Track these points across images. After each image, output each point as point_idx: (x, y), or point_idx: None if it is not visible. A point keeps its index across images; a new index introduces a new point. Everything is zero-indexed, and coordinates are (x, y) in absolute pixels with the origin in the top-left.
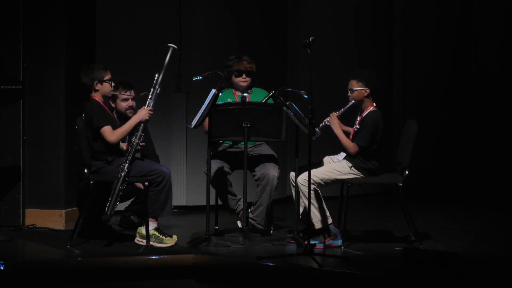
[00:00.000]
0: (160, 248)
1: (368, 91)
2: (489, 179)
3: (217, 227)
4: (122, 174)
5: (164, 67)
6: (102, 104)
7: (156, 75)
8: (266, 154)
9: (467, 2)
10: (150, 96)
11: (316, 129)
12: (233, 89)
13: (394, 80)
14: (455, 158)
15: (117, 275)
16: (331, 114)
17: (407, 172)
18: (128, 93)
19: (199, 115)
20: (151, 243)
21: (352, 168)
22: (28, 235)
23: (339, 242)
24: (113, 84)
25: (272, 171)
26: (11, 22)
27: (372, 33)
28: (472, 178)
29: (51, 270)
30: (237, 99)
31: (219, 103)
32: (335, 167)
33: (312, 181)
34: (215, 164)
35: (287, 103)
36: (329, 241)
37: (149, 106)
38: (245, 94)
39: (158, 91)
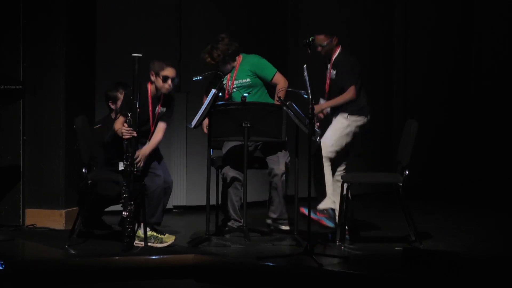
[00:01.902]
0: (160, 248)
1: (336, 39)
2: (489, 179)
3: (218, 225)
4: (126, 213)
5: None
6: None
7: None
8: (275, 142)
9: (467, 2)
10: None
11: (316, 129)
12: None
13: (394, 80)
14: (455, 158)
15: (117, 275)
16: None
17: (407, 172)
18: None
19: (199, 115)
20: (150, 244)
21: (348, 116)
22: (28, 235)
23: (331, 224)
24: (169, 83)
25: (279, 166)
26: (11, 22)
27: (371, 33)
28: (472, 177)
29: (51, 270)
30: (229, 78)
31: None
32: (335, 127)
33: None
34: (230, 173)
35: (287, 103)
36: (322, 217)
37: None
38: (245, 94)
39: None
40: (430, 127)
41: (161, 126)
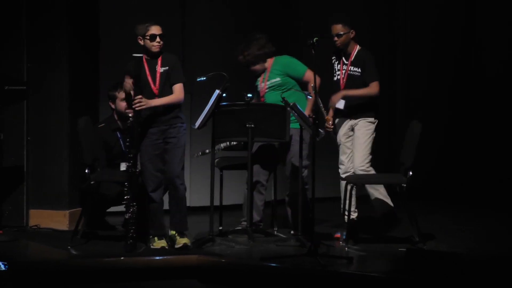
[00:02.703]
0: (164, 248)
1: (354, 32)
2: (491, 179)
3: (221, 228)
4: (129, 214)
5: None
6: (145, 61)
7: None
8: (292, 144)
9: (470, 3)
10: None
11: (320, 130)
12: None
13: (398, 81)
14: (458, 159)
15: (120, 276)
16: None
17: (410, 173)
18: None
19: (203, 116)
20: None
21: (375, 121)
22: (32, 235)
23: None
24: (158, 40)
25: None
26: (14, 23)
27: (373, 33)
28: (474, 178)
29: (54, 270)
30: (262, 80)
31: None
32: (363, 134)
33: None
34: (255, 169)
35: (291, 104)
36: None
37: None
38: (249, 95)
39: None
40: (433, 128)
41: (177, 86)
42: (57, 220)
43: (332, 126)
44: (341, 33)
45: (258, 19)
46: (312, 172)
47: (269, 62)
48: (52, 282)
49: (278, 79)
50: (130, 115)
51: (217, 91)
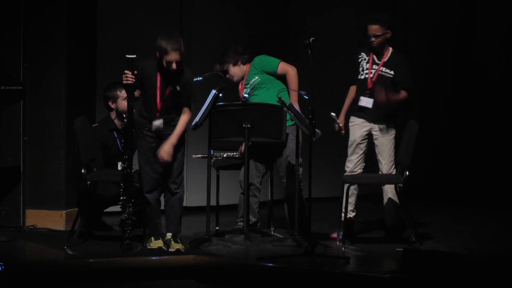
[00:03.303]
0: (161, 248)
1: (390, 33)
2: (490, 179)
3: (217, 228)
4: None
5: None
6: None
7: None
8: (287, 145)
9: (468, 4)
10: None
11: (317, 130)
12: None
13: None
14: (456, 159)
15: (117, 276)
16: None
17: (407, 172)
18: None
19: (200, 116)
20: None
21: (388, 122)
22: (29, 235)
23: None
24: (173, 66)
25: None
26: (12, 22)
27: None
28: (473, 178)
29: (51, 270)
30: (241, 87)
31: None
32: (387, 141)
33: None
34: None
35: (288, 104)
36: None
37: None
38: (245, 95)
39: None
40: (432, 128)
41: (185, 110)
42: (53, 220)
43: (343, 131)
44: (379, 34)
45: (257, 19)
46: (309, 172)
47: (246, 69)
48: (49, 282)
49: (256, 78)
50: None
51: (214, 91)
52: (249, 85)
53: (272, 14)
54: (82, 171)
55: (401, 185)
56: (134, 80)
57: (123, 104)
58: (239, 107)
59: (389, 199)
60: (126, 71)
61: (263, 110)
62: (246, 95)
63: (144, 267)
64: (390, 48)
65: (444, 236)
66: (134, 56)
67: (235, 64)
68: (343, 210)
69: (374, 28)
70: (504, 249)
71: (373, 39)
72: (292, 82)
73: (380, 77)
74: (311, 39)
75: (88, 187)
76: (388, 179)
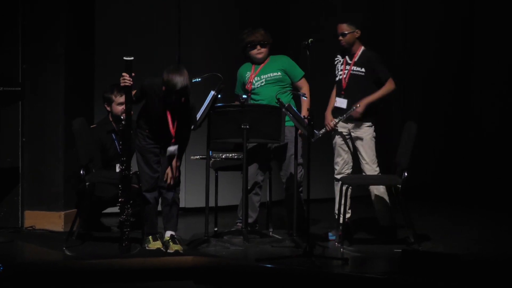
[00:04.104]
0: (160, 249)
1: (359, 32)
2: (490, 179)
3: (216, 229)
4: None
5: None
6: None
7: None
8: (288, 147)
9: (471, 7)
10: None
11: (315, 131)
12: (251, 63)
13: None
14: (457, 159)
15: (115, 277)
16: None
17: (406, 173)
18: (123, 97)
19: (198, 117)
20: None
21: (373, 126)
22: (27, 236)
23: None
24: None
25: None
26: (10, 23)
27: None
28: (473, 178)
29: (49, 271)
30: (253, 73)
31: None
32: (366, 141)
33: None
34: (251, 171)
35: (286, 105)
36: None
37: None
38: (244, 96)
39: None
40: (432, 129)
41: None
42: (52, 221)
43: (331, 129)
44: (346, 32)
45: (256, 19)
46: (307, 173)
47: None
48: (47, 283)
49: (278, 73)
50: (122, 117)
51: (212, 92)
52: (268, 76)
53: (272, 14)
54: (81, 172)
55: (400, 186)
56: (132, 82)
57: (117, 108)
58: (237, 108)
59: (377, 199)
60: (123, 74)
61: (261, 111)
62: (244, 96)
63: (143, 268)
64: (362, 47)
65: (443, 237)
66: (132, 58)
67: (269, 47)
68: (341, 211)
69: (342, 27)
70: (503, 250)
71: (340, 37)
72: (306, 105)
73: (352, 77)
74: (310, 40)
75: (87, 188)
76: (386, 180)
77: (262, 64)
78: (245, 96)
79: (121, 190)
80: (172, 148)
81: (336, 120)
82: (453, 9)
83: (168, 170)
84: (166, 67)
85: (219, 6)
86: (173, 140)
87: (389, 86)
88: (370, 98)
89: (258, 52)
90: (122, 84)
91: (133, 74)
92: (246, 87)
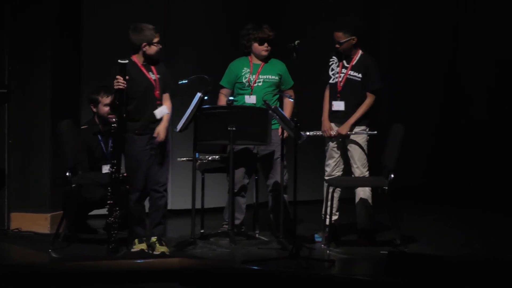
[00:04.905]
0: (143, 251)
1: (356, 39)
2: (481, 181)
3: (202, 231)
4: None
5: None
6: (141, 66)
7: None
8: (274, 152)
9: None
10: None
11: (302, 133)
12: (249, 57)
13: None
14: (448, 161)
15: (101, 279)
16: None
17: (392, 176)
18: (109, 98)
19: (185, 119)
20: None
21: (367, 129)
22: (13, 239)
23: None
24: (160, 46)
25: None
26: None
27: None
28: (464, 180)
29: (35, 273)
30: (252, 68)
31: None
32: (358, 145)
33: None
34: (238, 175)
35: (273, 107)
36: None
37: None
38: (230, 98)
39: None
40: (424, 130)
41: (168, 96)
42: (38, 223)
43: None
44: (342, 41)
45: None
46: (294, 175)
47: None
48: (34, 286)
49: (276, 77)
50: (114, 119)
51: (199, 94)
52: (266, 77)
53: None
54: (67, 174)
55: (386, 188)
56: (125, 85)
57: (103, 109)
58: (224, 110)
59: (360, 202)
60: (117, 76)
61: (248, 113)
62: (231, 98)
63: (129, 270)
64: (360, 51)
65: (430, 238)
66: (127, 61)
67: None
68: (328, 213)
69: (338, 35)
70: (490, 251)
71: (337, 45)
72: (289, 108)
73: (348, 81)
74: (296, 42)
75: (73, 190)
76: (372, 182)
77: (263, 63)
78: (232, 98)
79: (110, 192)
80: (163, 109)
81: (334, 133)
82: (445, 11)
83: (161, 130)
84: None
85: (205, 11)
86: (157, 102)
87: (369, 101)
88: (353, 119)
89: (266, 49)
90: (115, 87)
91: (127, 77)
92: (244, 81)
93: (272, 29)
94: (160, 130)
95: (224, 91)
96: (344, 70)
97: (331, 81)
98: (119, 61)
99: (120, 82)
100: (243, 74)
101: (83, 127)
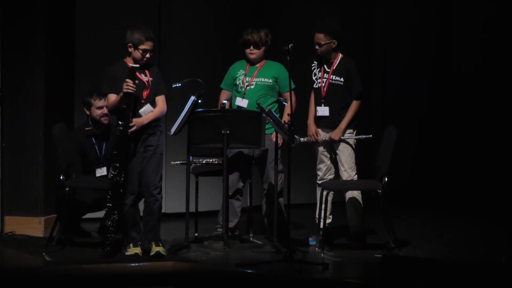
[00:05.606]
0: (137, 255)
1: (336, 43)
2: (470, 184)
3: (196, 234)
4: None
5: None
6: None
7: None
8: (268, 156)
9: (447, 6)
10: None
11: (296, 136)
12: (246, 61)
13: (372, 86)
14: (436, 164)
15: (95, 283)
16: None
17: (386, 179)
18: (102, 101)
19: (179, 122)
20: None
21: (354, 132)
22: (7, 242)
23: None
24: (147, 55)
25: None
26: None
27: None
28: (453, 183)
29: (29, 277)
30: (247, 70)
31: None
32: (345, 148)
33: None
34: (233, 178)
35: (267, 110)
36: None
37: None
38: (224, 101)
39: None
40: (411, 133)
41: (161, 98)
42: (32, 226)
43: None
44: (322, 43)
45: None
46: (288, 178)
47: (261, 62)
48: None
49: (270, 80)
50: (106, 122)
51: (193, 98)
52: (260, 80)
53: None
54: (61, 177)
55: (380, 191)
56: (135, 89)
57: (96, 112)
58: (218, 113)
59: (350, 204)
60: (127, 80)
61: (242, 116)
62: (225, 101)
63: (123, 273)
64: (340, 55)
65: (424, 242)
66: (138, 65)
67: (264, 49)
68: (322, 216)
69: (319, 37)
70: (482, 254)
71: (317, 47)
72: (287, 111)
73: (331, 86)
74: (290, 46)
75: (67, 193)
76: (366, 185)
77: (259, 67)
78: (226, 101)
79: (110, 196)
80: (146, 108)
81: (321, 137)
82: (430, 14)
83: (138, 121)
84: None
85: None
86: (142, 101)
87: (355, 105)
88: (344, 123)
89: (250, 52)
90: (125, 90)
91: (136, 82)
92: (237, 82)
93: (268, 35)
94: (138, 121)
95: (223, 94)
96: (326, 75)
97: (315, 85)
98: (130, 65)
99: (130, 86)
100: (238, 76)
101: (77, 130)
